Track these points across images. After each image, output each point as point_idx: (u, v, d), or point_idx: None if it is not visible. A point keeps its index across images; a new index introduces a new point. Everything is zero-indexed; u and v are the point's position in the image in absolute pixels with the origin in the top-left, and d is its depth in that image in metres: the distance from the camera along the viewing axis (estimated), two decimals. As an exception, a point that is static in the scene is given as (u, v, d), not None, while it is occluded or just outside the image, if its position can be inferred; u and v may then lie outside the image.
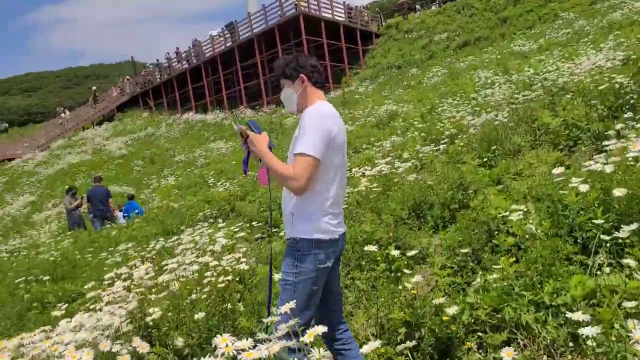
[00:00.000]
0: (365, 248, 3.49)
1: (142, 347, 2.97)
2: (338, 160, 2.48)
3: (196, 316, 3.16)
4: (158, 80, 32.37)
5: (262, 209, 7.55)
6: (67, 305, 5.22)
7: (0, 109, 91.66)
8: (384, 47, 27.22)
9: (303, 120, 2.41)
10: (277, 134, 16.87)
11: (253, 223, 6.39)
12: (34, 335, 3.06)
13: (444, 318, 2.81)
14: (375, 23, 30.41)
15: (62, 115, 35.84)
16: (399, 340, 2.99)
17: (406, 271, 3.45)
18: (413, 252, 3.61)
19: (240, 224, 6.09)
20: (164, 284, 3.74)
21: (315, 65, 2.59)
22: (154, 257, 5.81)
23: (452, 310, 2.80)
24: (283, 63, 2.59)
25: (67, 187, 13.19)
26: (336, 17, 26.62)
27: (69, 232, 11.22)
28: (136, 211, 11.58)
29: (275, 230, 5.72)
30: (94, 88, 38.55)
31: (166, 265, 4.11)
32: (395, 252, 3.44)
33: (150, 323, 3.35)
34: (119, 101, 34.55)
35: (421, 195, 5.05)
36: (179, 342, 3.23)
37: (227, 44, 27.98)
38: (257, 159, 2.52)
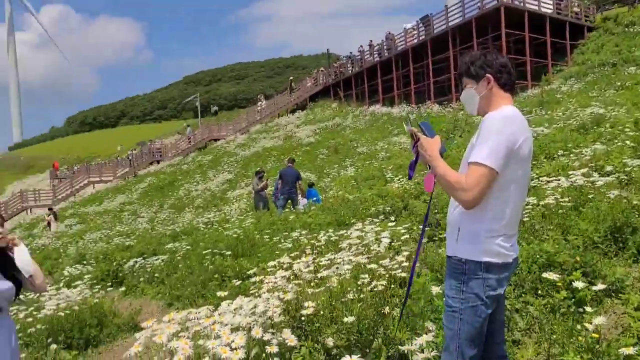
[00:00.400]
0: (544, 275, 3.02)
1: (291, 340, 2.97)
2: (520, 174, 2.18)
3: (346, 319, 3.05)
4: (350, 72, 33.39)
5: (435, 211, 7.24)
6: (240, 282, 5.56)
7: (213, 94, 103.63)
8: (597, 42, 24.33)
9: (483, 125, 2.14)
10: (462, 132, 16.17)
11: (420, 226, 6.12)
12: (199, 312, 3.24)
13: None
14: (587, 15, 27.34)
15: (259, 103, 39.11)
16: (571, 390, 2.54)
17: (589, 309, 2.91)
18: (603, 286, 3.03)
19: (407, 224, 5.86)
20: (322, 279, 3.71)
21: (506, 65, 2.28)
22: (322, 246, 5.90)
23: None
24: (468, 60, 2.33)
25: (256, 169, 14.28)
26: (543, 9, 24.49)
27: (254, 212, 12.12)
28: (314, 199, 12.02)
29: (428, 241, 5.39)
30: (290, 78, 41.23)
31: (328, 259, 4.10)
32: (579, 284, 2.93)
33: (304, 317, 3.35)
34: (312, 91, 36.46)
35: (623, 217, 4.30)
36: (330, 341, 3.17)
37: (421, 37, 27.63)
38: (426, 164, 2.32)
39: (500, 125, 2.10)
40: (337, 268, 3.63)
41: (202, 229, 11.72)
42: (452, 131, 17.05)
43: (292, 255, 4.39)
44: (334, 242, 5.75)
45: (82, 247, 12.89)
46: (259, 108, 38.48)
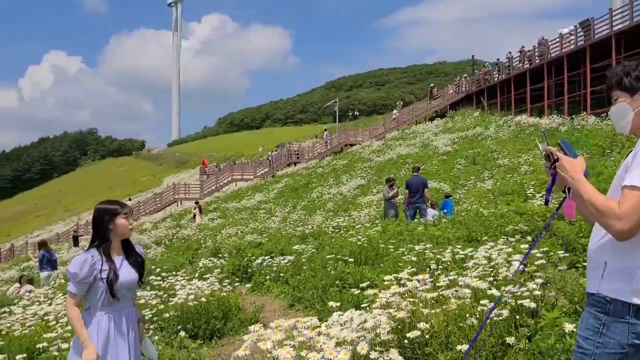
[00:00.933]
0: None
1: (398, 361, 2.79)
2: None
3: (459, 347, 2.80)
4: (495, 79, 31.85)
5: (581, 234, 6.54)
6: (359, 291, 5.46)
7: (353, 99, 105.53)
8: None
9: None
10: (620, 148, 14.56)
11: (560, 252, 5.52)
12: (308, 321, 3.18)
13: None
14: None
15: (394, 111, 39.11)
16: None
17: None
18: None
19: (545, 248, 5.32)
20: (440, 300, 3.47)
21: None
22: (447, 262, 5.59)
23: None
24: (621, 71, 2.04)
25: (387, 177, 14.12)
26: None
27: (382, 220, 11.98)
28: (444, 211, 11.55)
29: (570, 267, 4.80)
30: (431, 85, 40.49)
31: (449, 278, 3.83)
32: None
33: (416, 338, 3.14)
34: (453, 99, 35.42)
35: None
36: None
37: (578, 43, 25.48)
38: (564, 187, 2.08)
39: None
40: (456, 290, 3.36)
41: (329, 232, 11.84)
42: (610, 147, 15.43)
43: (411, 270, 4.16)
44: (460, 260, 5.41)
45: (219, 241, 13.72)
46: (393, 117, 38.39)
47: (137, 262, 3.07)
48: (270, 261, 9.34)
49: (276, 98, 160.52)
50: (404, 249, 7.27)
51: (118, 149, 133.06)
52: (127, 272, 2.96)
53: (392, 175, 15.39)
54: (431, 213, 12.08)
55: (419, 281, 3.58)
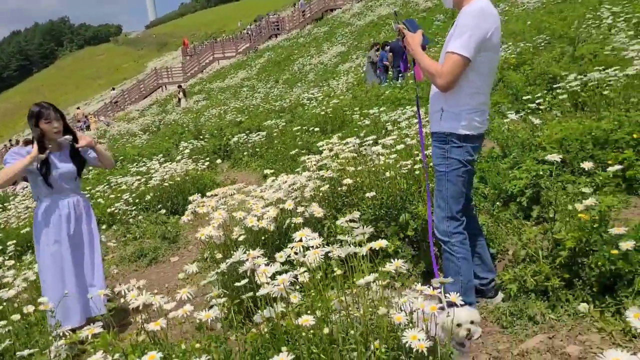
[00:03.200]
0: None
1: (317, 212, 3.30)
2: (492, 59, 2.52)
3: (367, 194, 3.31)
4: None
5: (527, 82, 6.92)
6: (316, 156, 5.96)
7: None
8: None
9: (460, 19, 2.44)
10: None
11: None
12: (246, 186, 3.67)
13: (614, 252, 2.43)
14: None
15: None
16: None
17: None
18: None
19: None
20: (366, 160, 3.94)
21: None
22: (396, 123, 6.02)
23: (628, 244, 2.35)
24: None
25: (373, 41, 14.05)
26: None
27: (361, 86, 12.22)
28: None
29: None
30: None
31: (377, 140, 4.27)
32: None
33: (341, 192, 3.65)
34: (434, -51, 33.51)
35: None
36: (355, 215, 3.46)
37: None
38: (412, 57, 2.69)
39: (475, 18, 2.38)
40: (365, 149, 3.82)
41: (305, 103, 12.15)
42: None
43: (364, 133, 4.57)
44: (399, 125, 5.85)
45: (201, 123, 14.05)
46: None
47: (77, 158, 3.45)
48: (246, 138, 9.79)
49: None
50: (362, 113, 7.69)
51: (95, 36, 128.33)
52: (62, 165, 3.36)
53: (376, 41, 15.39)
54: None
55: (346, 144, 4.04)
